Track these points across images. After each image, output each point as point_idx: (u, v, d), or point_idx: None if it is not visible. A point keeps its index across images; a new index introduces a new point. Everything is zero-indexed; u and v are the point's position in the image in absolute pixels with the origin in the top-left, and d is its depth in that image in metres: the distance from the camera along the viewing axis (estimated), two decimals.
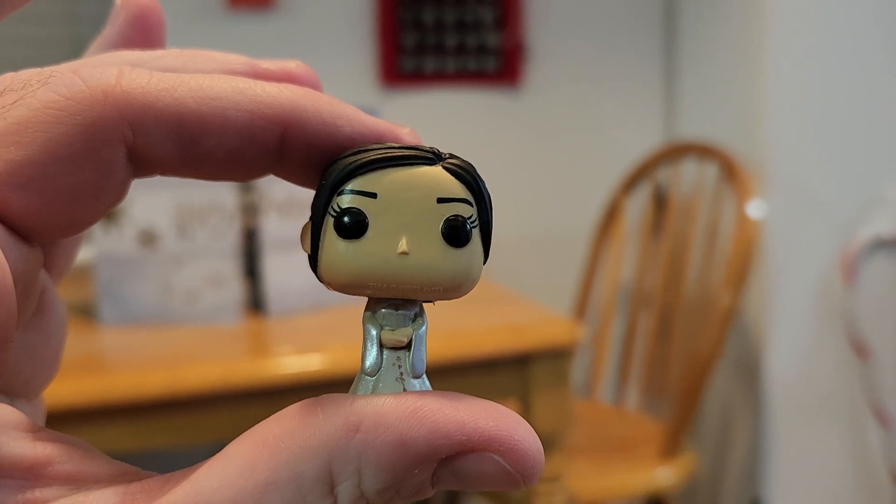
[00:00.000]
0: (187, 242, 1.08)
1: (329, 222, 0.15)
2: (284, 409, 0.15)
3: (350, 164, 0.15)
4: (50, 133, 0.14)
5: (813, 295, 1.60)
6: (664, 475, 1.30)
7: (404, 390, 0.16)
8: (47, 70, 0.15)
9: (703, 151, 1.49)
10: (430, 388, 0.16)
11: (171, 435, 0.94)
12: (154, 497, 0.13)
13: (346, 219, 0.15)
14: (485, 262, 0.17)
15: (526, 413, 1.05)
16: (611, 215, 1.64)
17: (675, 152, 1.57)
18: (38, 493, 0.13)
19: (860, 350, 1.62)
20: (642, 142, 1.84)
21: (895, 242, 1.63)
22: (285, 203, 1.12)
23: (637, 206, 1.80)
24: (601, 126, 1.81)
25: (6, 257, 0.14)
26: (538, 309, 1.11)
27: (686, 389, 1.31)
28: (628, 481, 1.30)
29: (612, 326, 1.84)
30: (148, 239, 1.07)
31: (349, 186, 0.15)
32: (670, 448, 1.32)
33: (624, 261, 1.80)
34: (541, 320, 1.06)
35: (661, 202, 1.76)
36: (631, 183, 1.63)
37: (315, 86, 0.18)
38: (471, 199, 0.16)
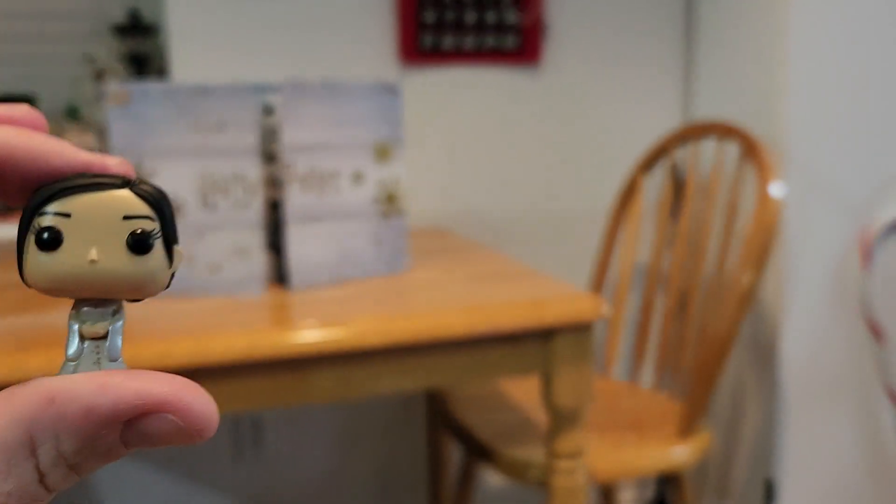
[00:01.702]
0: (210, 213, 1.08)
1: (31, 238, 0.18)
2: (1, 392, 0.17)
3: (46, 190, 0.18)
4: None
5: (829, 277, 1.60)
6: (679, 454, 1.30)
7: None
8: None
9: (724, 131, 1.48)
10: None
11: None
12: None
13: (44, 235, 0.18)
14: (171, 267, 0.20)
15: (547, 388, 1.05)
16: (628, 195, 1.64)
17: (694, 132, 1.56)
18: None
19: (877, 332, 1.62)
20: (661, 122, 1.83)
21: None
22: (308, 175, 1.12)
23: (655, 186, 1.79)
24: (620, 106, 1.81)
25: None
26: (559, 285, 1.11)
27: (703, 369, 1.31)
28: (643, 460, 1.31)
29: (628, 305, 1.84)
30: None
31: (47, 209, 0.18)
32: (686, 427, 1.32)
33: (641, 240, 1.80)
34: (563, 296, 1.06)
35: (679, 182, 1.75)
36: (649, 162, 1.62)
37: (38, 126, 0.20)
38: (154, 216, 0.19)
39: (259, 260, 1.09)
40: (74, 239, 0.18)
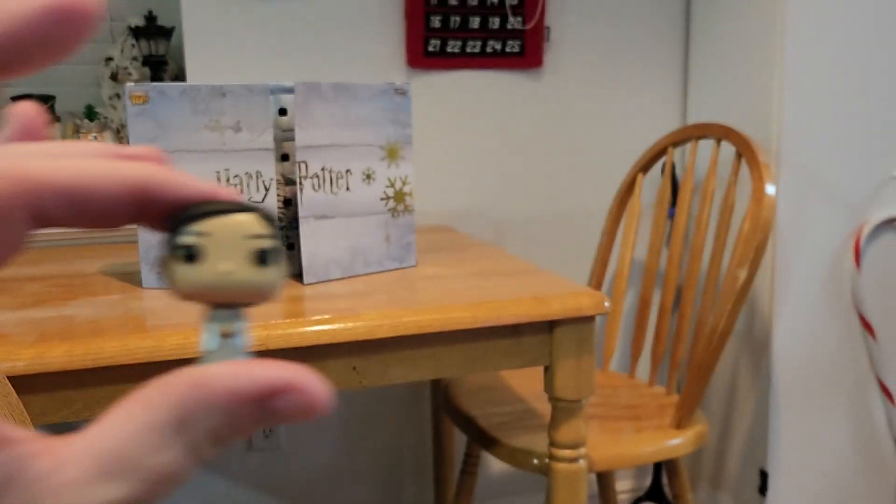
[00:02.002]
0: None
1: (177, 253, 0.22)
2: (154, 379, 0.21)
3: (188, 214, 0.23)
4: None
5: (822, 273, 1.64)
6: (675, 444, 1.34)
7: None
8: None
9: (720, 133, 1.52)
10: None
11: None
12: (64, 445, 0.19)
13: (187, 250, 0.22)
14: (285, 277, 0.24)
15: (550, 380, 1.09)
16: (627, 194, 1.68)
17: (691, 133, 1.60)
18: None
19: (869, 328, 1.66)
20: (660, 123, 1.87)
21: None
22: (320, 174, 1.15)
23: (653, 186, 1.83)
24: (620, 108, 1.85)
25: None
26: (562, 280, 1.15)
27: (699, 362, 1.35)
28: (640, 449, 1.34)
29: (626, 300, 1.88)
30: None
31: (190, 228, 0.22)
32: (682, 418, 1.36)
33: (639, 238, 1.84)
34: (565, 291, 1.09)
35: (676, 182, 1.79)
36: (647, 163, 1.66)
37: (164, 161, 0.24)
38: (273, 234, 0.23)
39: None
40: (212, 254, 0.22)
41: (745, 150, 1.44)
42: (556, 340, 1.07)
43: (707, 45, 1.81)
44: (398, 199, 1.22)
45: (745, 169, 1.61)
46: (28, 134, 0.25)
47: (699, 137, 1.58)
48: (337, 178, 1.17)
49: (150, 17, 1.54)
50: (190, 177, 0.23)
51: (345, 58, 1.64)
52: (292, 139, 1.15)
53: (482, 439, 1.36)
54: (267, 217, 0.23)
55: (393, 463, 1.82)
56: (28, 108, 0.25)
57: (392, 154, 1.21)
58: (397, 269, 1.24)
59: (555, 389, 1.09)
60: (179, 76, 1.56)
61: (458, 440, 1.83)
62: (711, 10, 1.78)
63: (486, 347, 1.06)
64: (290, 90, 1.15)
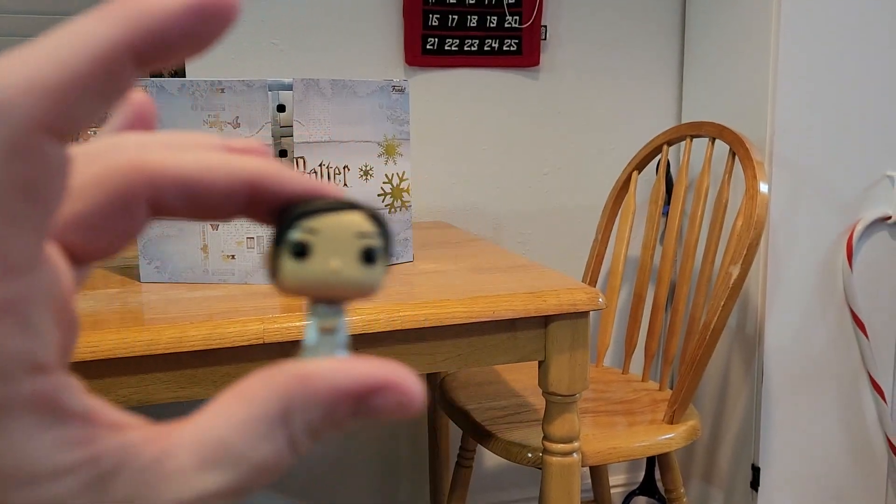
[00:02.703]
0: None
1: (285, 249, 0.23)
2: (255, 373, 0.21)
3: (300, 211, 0.23)
4: (99, 192, 0.21)
5: (813, 271, 1.66)
6: (668, 439, 1.36)
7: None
8: (93, 147, 0.22)
9: (714, 131, 1.53)
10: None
11: (211, 386, 0.99)
12: (170, 433, 0.20)
13: (296, 247, 0.23)
14: (385, 274, 0.24)
15: (544, 374, 1.10)
16: (622, 192, 1.69)
17: (686, 132, 1.62)
18: (93, 431, 0.19)
19: (861, 325, 1.67)
20: (655, 122, 1.88)
21: None
22: (318, 170, 1.17)
23: (648, 183, 1.85)
24: (616, 106, 1.86)
25: (69, 279, 0.22)
26: (557, 276, 1.16)
27: (691, 358, 1.36)
28: (633, 444, 1.36)
29: (620, 296, 1.90)
30: None
31: (299, 225, 0.23)
32: (675, 413, 1.38)
33: (634, 235, 1.86)
34: (560, 286, 1.10)
35: (671, 180, 1.81)
36: (642, 161, 1.67)
37: (269, 155, 0.24)
38: (378, 233, 0.23)
39: None
40: (321, 251, 0.23)
41: (738, 149, 1.45)
42: (551, 335, 1.09)
43: (702, 44, 1.82)
44: (395, 196, 1.23)
45: (738, 167, 1.63)
46: (140, 123, 0.25)
47: (693, 136, 1.59)
48: (334, 175, 1.18)
49: None
50: (298, 172, 0.23)
51: (343, 55, 1.65)
52: (290, 135, 1.16)
53: (477, 433, 1.37)
54: (374, 216, 0.23)
55: (389, 456, 1.84)
56: (139, 98, 0.25)
57: (390, 151, 1.22)
58: (394, 264, 1.25)
59: (549, 384, 1.10)
60: (178, 71, 1.57)
61: (454, 434, 1.84)
62: (707, 9, 1.80)
63: (482, 342, 1.07)
64: (288, 86, 1.16)
